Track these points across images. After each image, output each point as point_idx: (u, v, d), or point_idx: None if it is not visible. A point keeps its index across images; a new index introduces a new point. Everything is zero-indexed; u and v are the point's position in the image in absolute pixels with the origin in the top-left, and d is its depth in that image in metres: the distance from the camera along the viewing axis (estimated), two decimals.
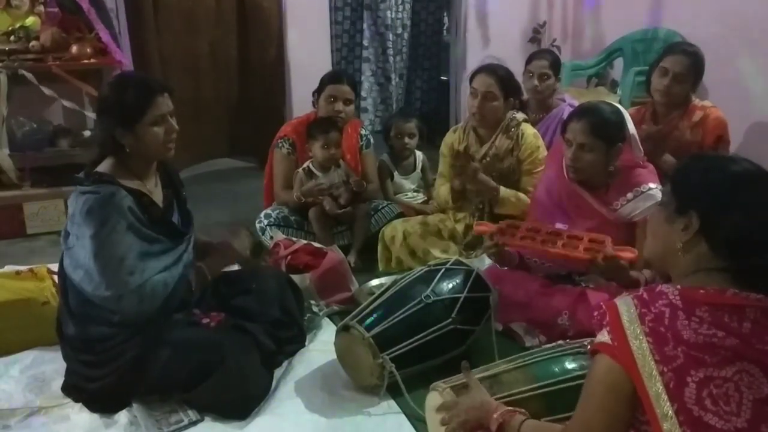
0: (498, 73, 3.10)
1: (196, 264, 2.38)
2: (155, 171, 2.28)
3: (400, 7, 5.89)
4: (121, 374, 2.12)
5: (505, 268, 2.71)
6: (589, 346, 1.70)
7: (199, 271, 2.32)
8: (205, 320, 2.30)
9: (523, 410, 1.51)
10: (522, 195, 3.04)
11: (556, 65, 3.62)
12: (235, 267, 2.70)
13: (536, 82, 3.54)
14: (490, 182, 3.03)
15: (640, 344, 1.20)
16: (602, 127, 2.47)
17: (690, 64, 3.12)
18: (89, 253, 2.03)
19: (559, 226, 2.58)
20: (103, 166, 2.14)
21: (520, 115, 3.19)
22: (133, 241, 2.07)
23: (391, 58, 5.94)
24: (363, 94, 5.98)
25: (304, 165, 3.40)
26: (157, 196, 2.25)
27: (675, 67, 3.12)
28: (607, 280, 2.38)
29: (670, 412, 1.16)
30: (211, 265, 2.37)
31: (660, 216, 1.36)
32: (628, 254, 2.26)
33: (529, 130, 3.16)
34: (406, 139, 3.76)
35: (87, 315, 2.13)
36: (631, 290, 1.31)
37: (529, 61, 3.66)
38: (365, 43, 5.85)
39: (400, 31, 5.92)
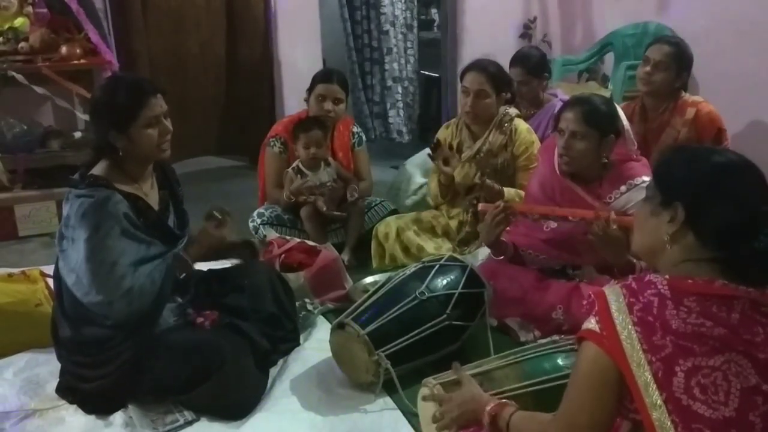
0: (489, 69, 3.09)
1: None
2: (151, 172, 2.26)
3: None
4: (116, 376, 2.11)
5: (501, 257, 2.69)
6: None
7: (180, 258, 2.28)
8: (200, 320, 2.29)
9: (513, 402, 1.51)
10: (523, 193, 3.02)
11: (538, 67, 3.56)
12: (228, 263, 2.68)
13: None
14: (495, 186, 3.02)
15: (628, 334, 1.20)
16: (594, 115, 2.47)
17: (671, 52, 3.11)
18: (81, 257, 2.02)
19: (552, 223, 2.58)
20: (98, 169, 2.12)
21: (512, 110, 3.19)
22: (126, 246, 2.06)
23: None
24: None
25: (294, 164, 3.40)
26: (153, 198, 2.23)
27: (655, 55, 3.12)
28: (603, 256, 2.35)
29: (659, 401, 1.16)
30: (192, 252, 2.34)
31: (646, 209, 1.36)
32: (629, 218, 2.24)
33: (522, 125, 3.16)
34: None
35: (81, 317, 2.11)
36: (620, 279, 1.30)
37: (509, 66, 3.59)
38: (352, 42, 5.81)
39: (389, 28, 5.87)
